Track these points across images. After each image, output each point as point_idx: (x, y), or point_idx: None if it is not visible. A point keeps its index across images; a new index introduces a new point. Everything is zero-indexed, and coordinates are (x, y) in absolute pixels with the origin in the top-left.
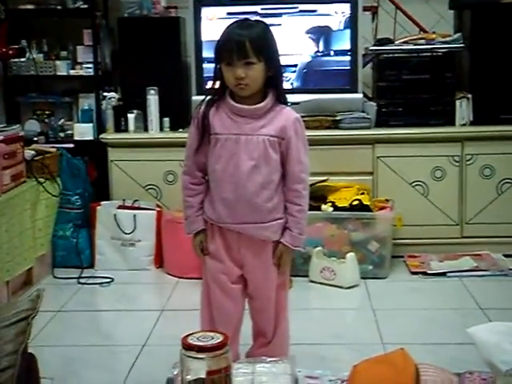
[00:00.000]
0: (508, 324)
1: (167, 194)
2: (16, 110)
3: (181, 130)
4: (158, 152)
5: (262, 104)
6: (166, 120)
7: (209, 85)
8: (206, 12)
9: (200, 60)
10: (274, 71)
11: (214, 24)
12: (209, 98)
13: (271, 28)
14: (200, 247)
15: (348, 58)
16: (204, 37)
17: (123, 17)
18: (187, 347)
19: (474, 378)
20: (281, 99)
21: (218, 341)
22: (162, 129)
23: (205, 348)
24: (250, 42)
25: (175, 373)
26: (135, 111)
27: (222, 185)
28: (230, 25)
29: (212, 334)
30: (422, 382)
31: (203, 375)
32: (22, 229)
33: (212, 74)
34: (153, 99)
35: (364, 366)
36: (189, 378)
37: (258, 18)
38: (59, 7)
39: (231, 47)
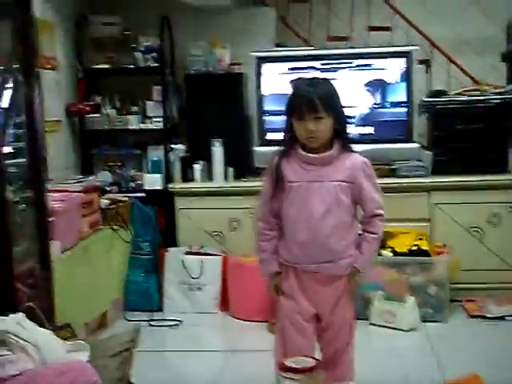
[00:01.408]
0: None
1: (231, 240)
2: (89, 162)
3: (244, 179)
4: (222, 200)
5: (329, 152)
6: (230, 170)
7: (272, 136)
8: (267, 68)
9: (261, 113)
10: (340, 123)
11: (275, 79)
12: (281, 149)
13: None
14: (275, 288)
15: (404, 109)
16: (265, 91)
17: (190, 73)
18: (284, 369)
19: None
20: (347, 147)
21: (312, 364)
22: (226, 178)
23: (301, 370)
24: (318, 99)
25: None
26: (201, 162)
27: (296, 229)
28: (299, 83)
29: (306, 358)
30: None
31: None
32: (99, 273)
33: (272, 126)
34: (217, 150)
35: None
36: None
37: (318, 73)
38: (132, 66)
39: (302, 104)
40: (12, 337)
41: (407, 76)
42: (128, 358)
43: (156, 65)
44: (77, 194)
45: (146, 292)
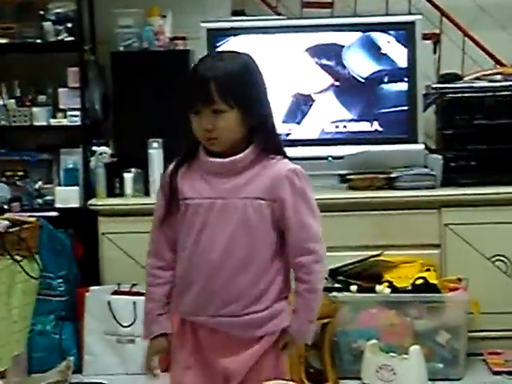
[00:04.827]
0: None
1: None
2: None
3: None
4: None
5: (239, 156)
6: None
7: None
8: (222, 43)
9: None
10: (258, 120)
11: None
12: (181, 155)
13: None
14: (153, 360)
15: (405, 99)
16: None
17: (118, 51)
18: None
19: None
20: (269, 150)
21: None
22: None
23: None
24: (215, 84)
25: None
26: (133, 170)
27: (191, 266)
28: (200, 61)
29: None
30: None
31: None
32: None
33: None
34: (156, 154)
35: None
36: None
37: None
38: (38, 41)
39: (194, 92)
40: None
41: (409, 55)
42: None
43: (71, 39)
44: None
45: (59, 346)
